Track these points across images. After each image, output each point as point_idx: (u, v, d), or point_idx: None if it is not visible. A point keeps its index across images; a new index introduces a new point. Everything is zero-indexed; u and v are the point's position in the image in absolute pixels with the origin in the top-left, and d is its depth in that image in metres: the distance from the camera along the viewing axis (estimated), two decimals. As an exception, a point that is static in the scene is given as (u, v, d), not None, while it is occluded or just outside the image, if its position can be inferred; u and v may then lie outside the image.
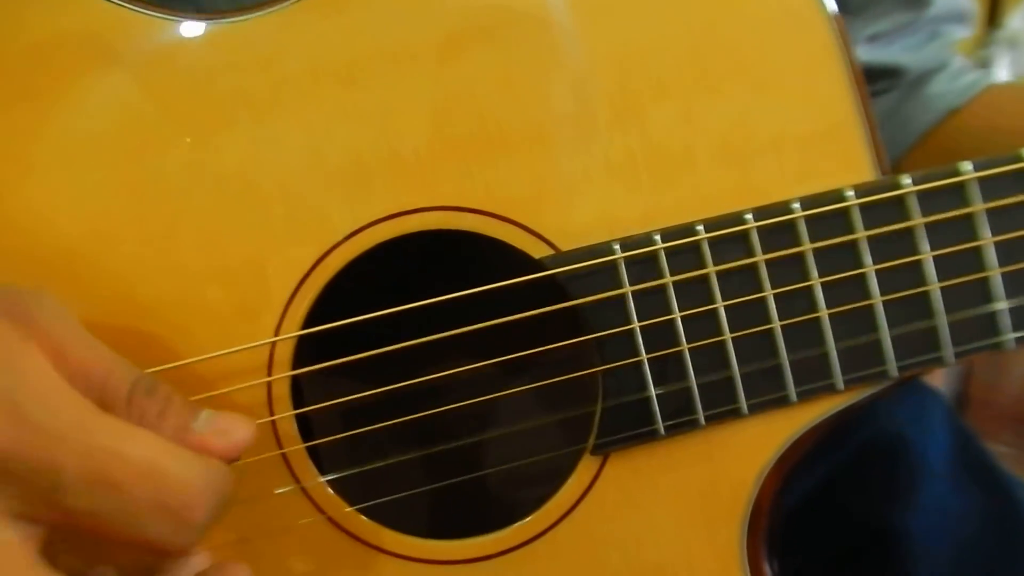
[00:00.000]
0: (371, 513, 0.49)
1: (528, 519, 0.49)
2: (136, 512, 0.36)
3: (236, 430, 0.39)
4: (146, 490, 0.35)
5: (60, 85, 0.46)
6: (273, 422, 0.48)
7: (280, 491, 0.48)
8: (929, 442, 0.69)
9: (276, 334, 0.48)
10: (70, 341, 0.37)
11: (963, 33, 0.77)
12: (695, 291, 0.47)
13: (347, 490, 0.49)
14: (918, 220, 0.47)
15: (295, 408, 0.48)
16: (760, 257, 0.47)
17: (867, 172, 0.48)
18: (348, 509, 0.49)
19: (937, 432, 0.70)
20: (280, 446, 0.48)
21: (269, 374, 0.48)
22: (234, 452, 0.39)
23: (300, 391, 0.51)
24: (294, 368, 0.48)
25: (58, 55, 0.47)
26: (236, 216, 0.48)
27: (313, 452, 0.49)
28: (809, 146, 0.48)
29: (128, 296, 0.47)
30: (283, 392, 0.48)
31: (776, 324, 0.47)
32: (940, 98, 0.73)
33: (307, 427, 0.50)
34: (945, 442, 0.70)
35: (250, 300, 0.48)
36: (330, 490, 0.49)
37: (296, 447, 0.48)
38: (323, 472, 0.49)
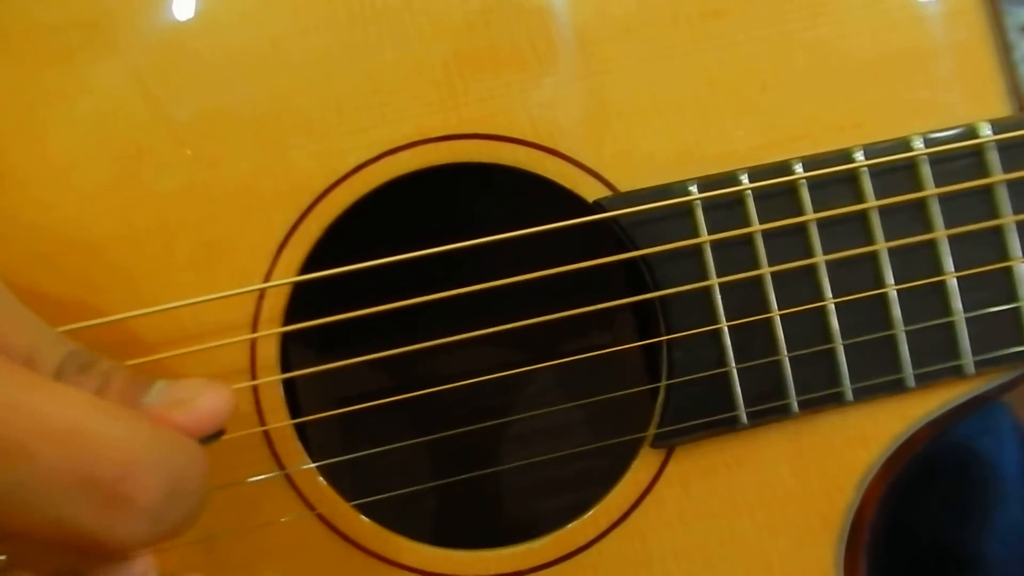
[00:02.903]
0: (371, 512, 0.39)
1: (570, 526, 0.40)
2: (52, 490, 0.26)
3: (201, 398, 0.31)
4: (63, 458, 0.26)
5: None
6: (256, 392, 0.39)
7: (259, 478, 0.39)
8: (1002, 457, 0.62)
9: (265, 282, 0.38)
10: None
11: None
12: (789, 244, 0.38)
13: (342, 482, 0.40)
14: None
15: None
16: (872, 203, 0.38)
17: (1000, 105, 0.39)
18: (343, 505, 0.39)
19: (1009, 446, 0.63)
20: (262, 421, 0.39)
21: (254, 331, 0.38)
22: (201, 425, 0.30)
23: (289, 365, 0.42)
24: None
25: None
26: (220, 136, 0.39)
27: (302, 435, 0.40)
28: (926, 70, 0.39)
29: (88, 229, 0.38)
30: (270, 355, 0.39)
31: (890, 287, 0.38)
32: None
33: (295, 407, 0.40)
34: (1018, 456, 0.62)
35: (235, 241, 0.38)
36: (322, 479, 0.39)
37: (282, 423, 0.38)
38: (313, 459, 0.39)
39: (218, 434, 0.31)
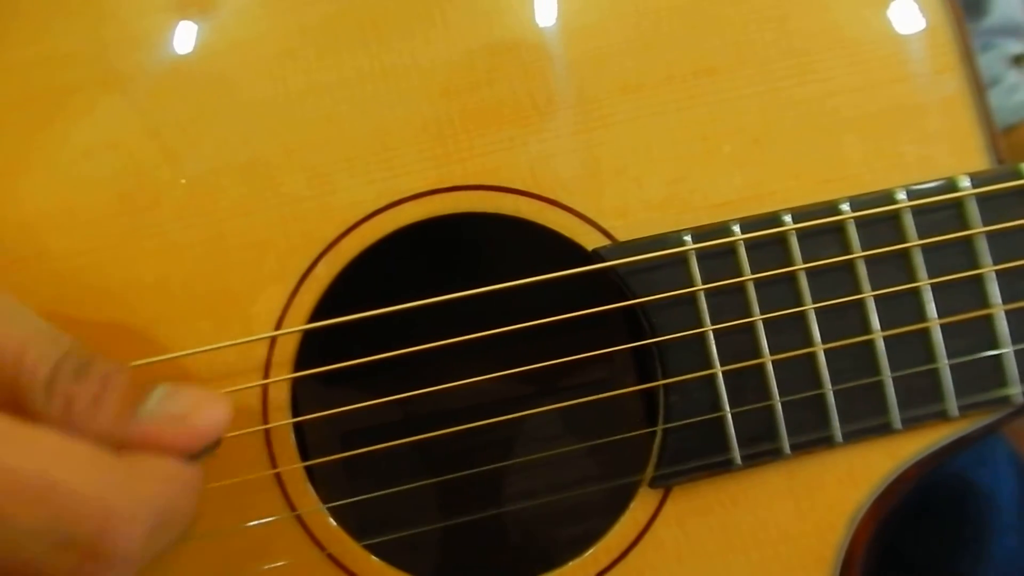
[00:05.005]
0: (378, 548, 0.41)
1: (571, 564, 0.41)
2: (29, 550, 0.25)
3: (200, 412, 0.30)
4: (38, 519, 0.25)
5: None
6: (267, 436, 0.40)
7: (271, 519, 0.40)
8: (998, 487, 0.63)
9: (277, 329, 0.40)
10: None
11: (1018, 48, 0.72)
12: (780, 292, 0.40)
13: (349, 519, 0.41)
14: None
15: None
16: (858, 254, 0.40)
17: (980, 158, 0.41)
18: (353, 544, 0.40)
19: (1004, 476, 0.64)
20: (274, 464, 0.40)
21: (266, 376, 0.40)
22: (199, 441, 0.30)
23: (298, 411, 0.43)
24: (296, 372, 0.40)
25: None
26: (234, 188, 0.40)
27: (309, 472, 0.41)
28: (910, 125, 0.41)
29: (101, 278, 0.39)
30: (282, 399, 0.40)
31: (877, 334, 0.40)
32: (993, 113, 0.68)
33: (303, 452, 0.41)
34: (1013, 486, 0.63)
35: (247, 289, 0.40)
36: (332, 522, 0.40)
37: (293, 466, 0.40)
38: (320, 493, 0.41)
39: (216, 443, 0.30)
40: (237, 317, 0.40)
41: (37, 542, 0.25)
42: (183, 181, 0.40)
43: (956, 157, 0.41)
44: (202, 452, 0.30)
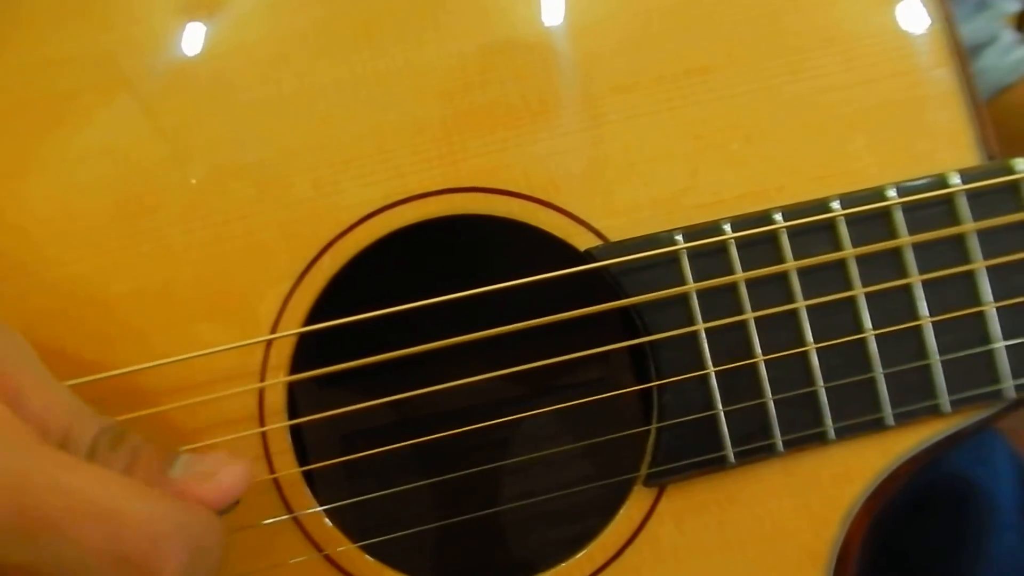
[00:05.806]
0: (374, 549, 0.41)
1: (567, 563, 0.41)
2: (84, 566, 0.29)
3: (223, 472, 0.33)
4: (98, 537, 0.29)
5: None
6: (264, 440, 0.40)
7: (269, 521, 0.40)
8: (997, 486, 0.63)
9: (272, 332, 0.40)
10: (30, 385, 0.32)
11: (1014, 6, 0.71)
12: (771, 290, 0.40)
13: (347, 524, 0.41)
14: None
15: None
16: (849, 251, 0.40)
17: (971, 154, 0.41)
18: (349, 546, 0.40)
19: (1004, 475, 0.64)
20: (271, 469, 0.40)
21: (262, 380, 0.40)
22: (222, 498, 0.33)
23: (296, 411, 0.44)
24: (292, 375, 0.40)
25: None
26: (229, 191, 0.40)
27: (308, 479, 0.41)
28: (902, 121, 0.41)
29: (101, 284, 0.40)
30: (277, 403, 0.41)
31: (869, 331, 0.40)
32: (989, 73, 0.67)
33: (302, 452, 0.42)
34: (1013, 485, 0.63)
35: (242, 292, 0.40)
36: (328, 522, 0.41)
37: (291, 471, 0.40)
38: (318, 494, 0.41)
39: (235, 502, 0.34)
40: (238, 320, 0.40)
41: (98, 558, 0.29)
42: (193, 181, 0.40)
43: (950, 151, 0.41)
44: (225, 509, 0.33)
